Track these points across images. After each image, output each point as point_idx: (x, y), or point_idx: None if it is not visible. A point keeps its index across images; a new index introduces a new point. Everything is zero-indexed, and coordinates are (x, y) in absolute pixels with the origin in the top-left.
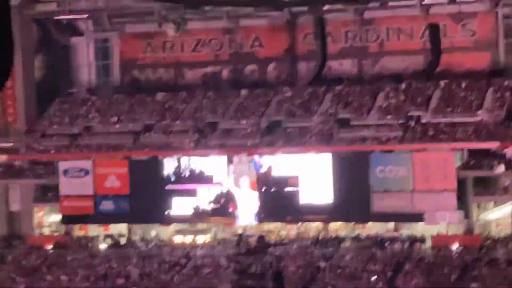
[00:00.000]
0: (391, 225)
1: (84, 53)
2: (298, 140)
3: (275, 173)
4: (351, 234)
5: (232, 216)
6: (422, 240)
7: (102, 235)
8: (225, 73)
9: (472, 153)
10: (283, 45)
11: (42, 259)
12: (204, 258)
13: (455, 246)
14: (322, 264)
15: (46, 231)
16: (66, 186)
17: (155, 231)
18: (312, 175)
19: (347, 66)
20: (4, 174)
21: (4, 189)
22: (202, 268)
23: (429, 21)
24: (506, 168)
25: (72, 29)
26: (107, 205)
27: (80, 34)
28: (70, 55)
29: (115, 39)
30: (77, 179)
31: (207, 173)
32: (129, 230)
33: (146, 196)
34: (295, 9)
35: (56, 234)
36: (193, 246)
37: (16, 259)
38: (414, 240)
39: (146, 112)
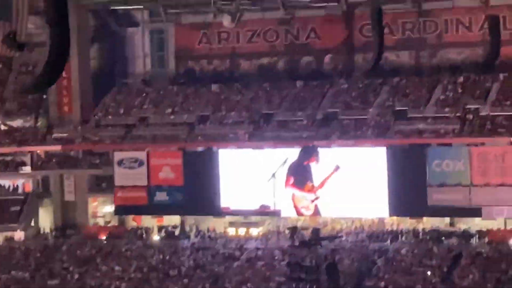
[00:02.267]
0: (447, 219)
1: (139, 43)
2: (354, 132)
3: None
4: (407, 228)
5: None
6: (479, 235)
7: (155, 226)
8: (280, 64)
9: None
10: (339, 37)
11: (96, 249)
12: (258, 251)
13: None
14: (377, 258)
15: (100, 221)
16: (121, 176)
17: (208, 223)
18: (368, 167)
19: (404, 58)
20: (60, 164)
21: (59, 179)
22: (256, 260)
23: (488, 12)
24: None
25: (128, 19)
26: (161, 196)
27: (136, 24)
28: (125, 45)
29: (170, 29)
30: (131, 169)
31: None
32: (183, 222)
33: (200, 188)
34: (352, 0)
35: (110, 224)
36: (247, 238)
37: (70, 249)
38: (470, 235)
39: (201, 103)
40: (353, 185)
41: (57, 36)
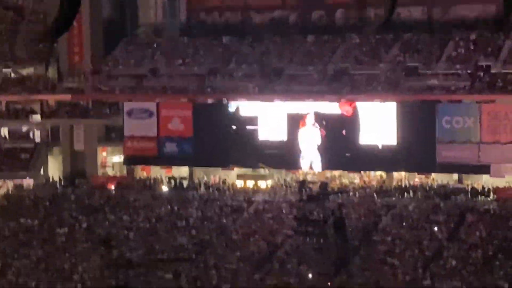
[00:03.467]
0: (455, 176)
1: None
2: (365, 87)
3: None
4: (415, 185)
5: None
6: (487, 192)
7: (164, 177)
8: (292, 18)
9: None
10: None
11: (104, 198)
12: (266, 204)
13: None
14: (384, 213)
15: (109, 171)
16: (130, 127)
17: (217, 175)
18: (377, 123)
19: (416, 13)
20: (69, 113)
21: (68, 129)
22: (263, 213)
23: None
24: None
25: None
26: (170, 147)
27: None
28: None
29: None
30: (141, 120)
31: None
32: (191, 173)
33: (209, 140)
34: None
35: (118, 174)
36: (255, 191)
37: (79, 198)
38: (478, 192)
39: (211, 55)
40: (362, 139)
41: None
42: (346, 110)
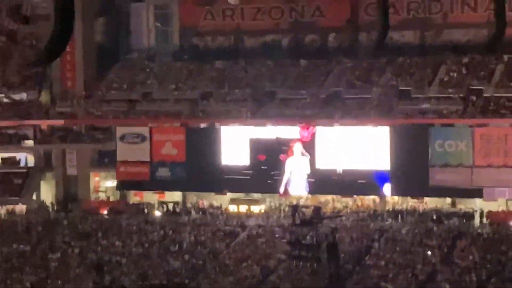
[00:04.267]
0: (448, 200)
1: (144, 19)
2: (357, 111)
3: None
4: (408, 208)
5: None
6: (480, 216)
7: (157, 202)
8: (285, 42)
9: None
10: (344, 15)
11: (97, 223)
12: (259, 228)
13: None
14: (377, 237)
15: (102, 196)
16: (123, 151)
17: (210, 200)
18: (370, 147)
19: (409, 37)
20: (62, 138)
21: (61, 154)
22: (257, 237)
23: None
24: None
25: None
26: (163, 172)
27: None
28: (130, 20)
29: (175, 5)
30: (134, 145)
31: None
32: (184, 199)
33: (202, 164)
34: None
35: (111, 200)
36: (248, 215)
37: (71, 223)
38: (471, 216)
39: (204, 79)
40: (356, 164)
41: (61, 9)
42: (304, 136)
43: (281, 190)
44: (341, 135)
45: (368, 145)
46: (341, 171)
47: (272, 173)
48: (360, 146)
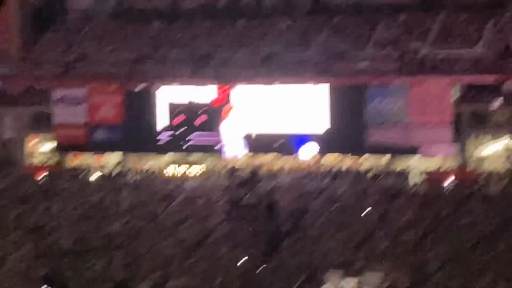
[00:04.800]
0: (386, 158)
1: None
2: (295, 71)
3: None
4: (346, 167)
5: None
6: (416, 173)
7: (94, 165)
8: (222, 2)
9: (470, 87)
10: None
11: (34, 188)
12: (197, 190)
13: (449, 181)
14: (315, 197)
15: (39, 159)
16: (60, 114)
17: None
18: (309, 106)
19: None
20: None
21: None
22: (195, 199)
23: None
24: (504, 102)
25: None
26: (101, 134)
27: None
28: None
29: None
30: (71, 107)
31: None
32: (123, 161)
33: (139, 126)
34: None
35: (49, 163)
36: (186, 177)
37: (8, 188)
38: (407, 175)
39: (142, 40)
40: (294, 125)
41: None
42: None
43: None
44: (277, 96)
45: (305, 105)
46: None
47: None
48: (296, 106)
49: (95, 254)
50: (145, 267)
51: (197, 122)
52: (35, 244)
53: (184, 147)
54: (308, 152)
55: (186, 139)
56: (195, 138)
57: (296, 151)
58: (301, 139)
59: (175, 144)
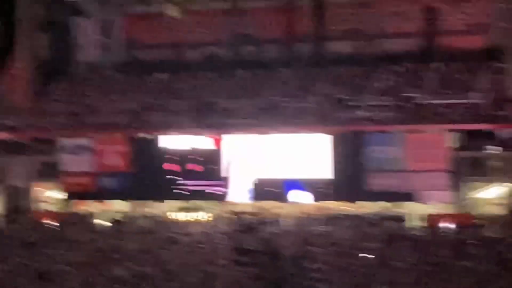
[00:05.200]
0: (385, 203)
1: (87, 33)
2: (295, 120)
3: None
4: (345, 212)
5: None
6: (415, 218)
7: (102, 212)
8: (224, 53)
9: (466, 134)
10: (282, 27)
11: (41, 234)
12: (202, 235)
13: (446, 224)
14: (317, 241)
15: (47, 206)
16: (67, 163)
17: (154, 208)
18: (307, 154)
19: (344, 48)
20: (8, 151)
21: (6, 166)
22: (200, 244)
23: (426, 4)
24: (498, 149)
25: (77, 9)
26: (108, 182)
27: (84, 14)
28: (74, 35)
29: (118, 19)
30: (78, 156)
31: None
32: (129, 207)
33: (146, 174)
34: None
35: (56, 210)
36: (192, 223)
37: (16, 234)
38: (405, 219)
39: (146, 91)
40: (295, 171)
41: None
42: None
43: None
44: (278, 143)
45: (306, 153)
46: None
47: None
48: (297, 154)
49: None
50: None
51: (201, 169)
52: None
53: (189, 194)
54: (308, 198)
55: (191, 186)
56: (199, 185)
57: (297, 197)
58: (301, 186)
59: (181, 191)
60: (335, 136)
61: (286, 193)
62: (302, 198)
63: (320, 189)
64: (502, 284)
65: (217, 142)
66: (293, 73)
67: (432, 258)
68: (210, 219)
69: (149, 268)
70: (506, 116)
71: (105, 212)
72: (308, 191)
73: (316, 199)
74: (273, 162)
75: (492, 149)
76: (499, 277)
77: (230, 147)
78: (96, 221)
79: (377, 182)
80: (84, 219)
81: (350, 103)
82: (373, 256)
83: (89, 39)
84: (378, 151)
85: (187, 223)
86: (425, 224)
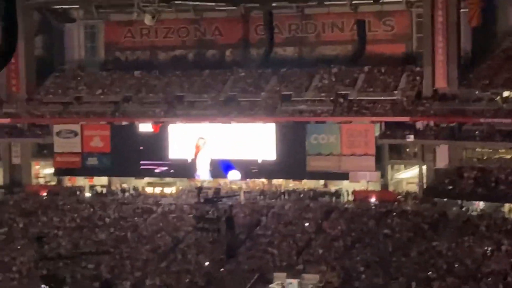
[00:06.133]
0: (322, 181)
1: (75, 36)
2: (249, 111)
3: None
4: (290, 188)
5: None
6: (346, 194)
7: (87, 186)
8: (190, 55)
9: (388, 125)
10: (238, 34)
11: (37, 203)
12: (171, 206)
13: (372, 200)
14: (266, 212)
15: (41, 181)
16: (59, 145)
17: (130, 183)
18: (259, 140)
19: (290, 52)
20: (8, 134)
21: (7, 146)
22: (169, 213)
23: (357, 17)
24: (415, 138)
25: (66, 16)
26: (92, 161)
27: (73, 20)
28: (64, 37)
29: (101, 25)
30: (68, 139)
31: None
32: (109, 182)
33: (124, 154)
34: (249, 4)
35: (49, 183)
36: (162, 195)
37: (16, 203)
38: (339, 194)
39: (125, 86)
40: (248, 154)
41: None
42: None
43: (195, 175)
44: (235, 131)
45: (257, 139)
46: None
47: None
48: (250, 140)
49: (86, 258)
50: (127, 269)
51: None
52: (38, 250)
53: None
54: (259, 176)
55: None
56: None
57: (250, 175)
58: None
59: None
60: (281, 125)
61: (239, 171)
62: (251, 176)
63: (269, 169)
64: (416, 247)
65: (156, 128)
66: (247, 73)
67: (359, 227)
68: (177, 192)
69: (127, 233)
70: (422, 110)
71: (90, 186)
72: (256, 170)
73: (265, 177)
74: (229, 146)
75: (409, 138)
76: (414, 242)
77: (175, 133)
78: (82, 193)
79: (316, 164)
80: (73, 192)
81: (294, 98)
82: (312, 225)
83: (77, 42)
84: (316, 138)
85: (158, 195)
86: (354, 199)
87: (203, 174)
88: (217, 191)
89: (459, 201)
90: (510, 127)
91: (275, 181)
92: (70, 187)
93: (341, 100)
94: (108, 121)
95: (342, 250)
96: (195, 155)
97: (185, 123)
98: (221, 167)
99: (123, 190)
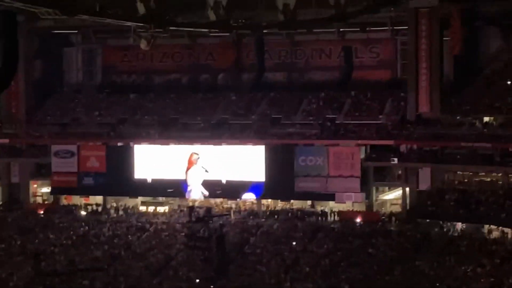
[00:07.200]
0: (309, 202)
1: (74, 60)
2: (240, 134)
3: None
4: (279, 208)
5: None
6: (333, 214)
7: (83, 204)
8: (184, 79)
9: (374, 148)
10: (230, 59)
11: (35, 221)
12: (163, 224)
13: (358, 220)
14: (255, 231)
15: (39, 199)
16: (56, 164)
17: (125, 202)
18: (249, 162)
19: (280, 77)
20: (7, 153)
21: (7, 166)
22: (161, 231)
23: (344, 44)
24: (399, 161)
25: (65, 40)
26: (88, 181)
27: (71, 44)
28: (62, 61)
29: (99, 50)
30: (65, 159)
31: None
32: (104, 201)
33: (119, 174)
34: (241, 31)
35: (46, 202)
36: (155, 214)
37: (14, 221)
38: (326, 214)
39: (121, 108)
40: (238, 175)
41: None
42: None
43: (186, 195)
44: (226, 152)
45: (247, 160)
46: (225, 182)
47: None
48: (240, 161)
49: (81, 274)
50: (121, 285)
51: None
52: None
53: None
54: (249, 197)
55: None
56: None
57: (240, 195)
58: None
59: (147, 188)
60: (271, 147)
61: (230, 191)
62: (243, 196)
63: (257, 189)
64: (400, 266)
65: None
66: (239, 97)
67: (345, 246)
68: (170, 211)
69: (121, 251)
70: (405, 134)
71: (86, 204)
72: (247, 191)
73: (255, 198)
74: (220, 167)
75: (393, 160)
76: (397, 261)
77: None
78: (78, 211)
79: (304, 185)
80: (69, 210)
81: (283, 122)
82: (300, 243)
83: (75, 65)
84: (304, 160)
85: (151, 214)
86: (340, 219)
87: (194, 193)
88: (209, 210)
89: (441, 222)
90: (490, 151)
91: (264, 201)
92: (67, 205)
93: (329, 123)
94: (104, 142)
95: (328, 268)
96: (187, 170)
97: (179, 144)
98: (250, 189)
99: (117, 209)
